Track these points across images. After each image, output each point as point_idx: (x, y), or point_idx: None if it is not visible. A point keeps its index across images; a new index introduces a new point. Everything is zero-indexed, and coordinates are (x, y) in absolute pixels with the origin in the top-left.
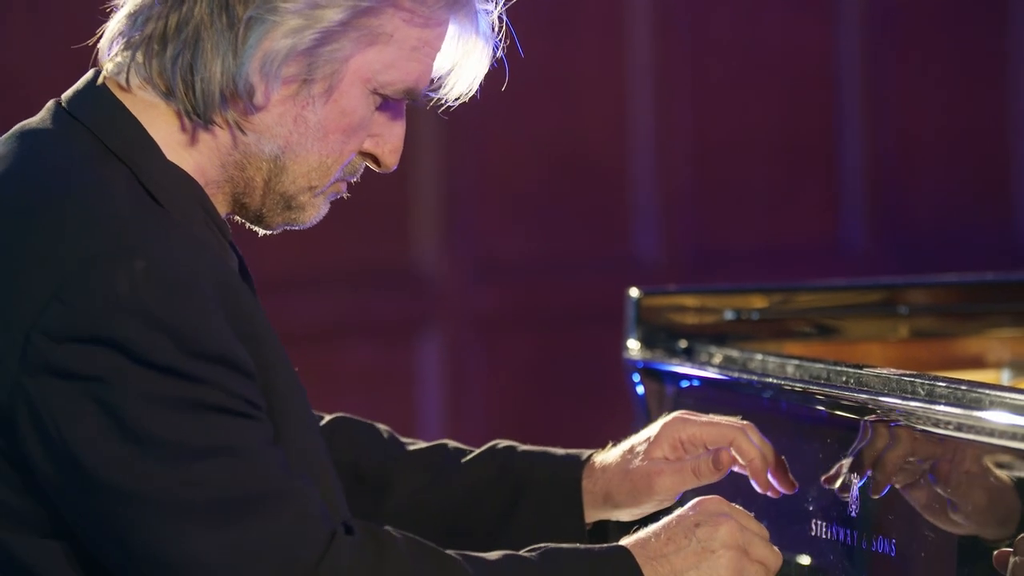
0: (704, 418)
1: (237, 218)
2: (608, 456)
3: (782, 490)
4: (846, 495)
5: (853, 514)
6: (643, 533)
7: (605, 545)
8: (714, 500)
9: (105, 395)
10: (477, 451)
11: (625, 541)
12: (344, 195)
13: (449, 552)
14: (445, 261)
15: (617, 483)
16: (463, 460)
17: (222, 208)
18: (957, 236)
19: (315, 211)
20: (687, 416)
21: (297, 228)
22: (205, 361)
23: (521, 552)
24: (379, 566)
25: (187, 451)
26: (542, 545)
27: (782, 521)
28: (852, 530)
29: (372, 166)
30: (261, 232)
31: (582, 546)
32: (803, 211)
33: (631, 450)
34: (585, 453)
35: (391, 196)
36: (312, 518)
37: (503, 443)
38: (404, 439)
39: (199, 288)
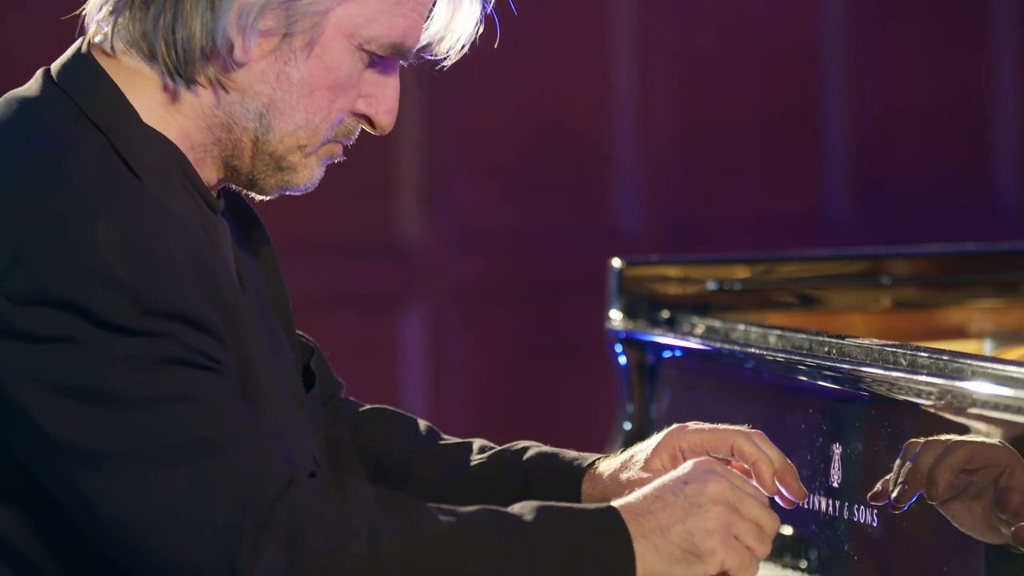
0: (707, 427)
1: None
2: (610, 463)
3: (790, 496)
4: (829, 467)
5: (835, 484)
6: (633, 495)
7: (593, 504)
8: (706, 460)
9: (64, 358)
10: (494, 449)
11: (614, 501)
12: (339, 158)
13: (422, 502)
14: (428, 233)
15: (614, 491)
16: (477, 458)
17: (213, 174)
18: (939, 207)
19: (309, 173)
20: (690, 425)
21: (293, 192)
22: (163, 317)
23: (505, 508)
24: (340, 508)
25: (144, 402)
26: (527, 502)
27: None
28: (834, 500)
29: (367, 128)
30: (259, 199)
31: (568, 504)
32: (786, 182)
33: (631, 459)
34: (590, 458)
35: (373, 167)
36: (272, 461)
37: (521, 444)
38: (444, 436)
39: (162, 251)
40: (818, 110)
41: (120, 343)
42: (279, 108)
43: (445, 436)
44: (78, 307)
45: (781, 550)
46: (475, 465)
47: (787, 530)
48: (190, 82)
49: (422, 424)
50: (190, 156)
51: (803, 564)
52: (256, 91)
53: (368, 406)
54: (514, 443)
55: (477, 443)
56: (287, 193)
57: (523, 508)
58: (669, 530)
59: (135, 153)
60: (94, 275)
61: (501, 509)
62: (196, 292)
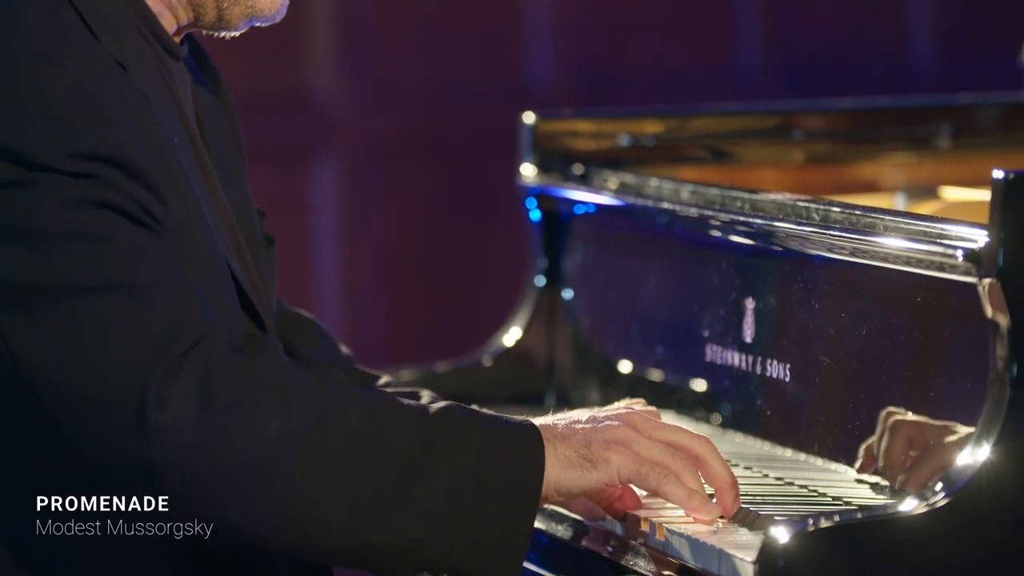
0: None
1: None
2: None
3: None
4: (742, 322)
5: (748, 339)
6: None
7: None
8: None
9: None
10: (397, 390)
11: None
12: None
13: (336, 369)
14: (340, 87)
15: None
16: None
17: (175, 19)
18: (852, 60)
19: None
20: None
21: (262, 21)
22: (102, 162)
23: (423, 402)
24: (253, 365)
25: (68, 239)
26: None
27: (677, 348)
28: (747, 355)
29: None
30: (228, 36)
31: (491, 413)
32: (698, 34)
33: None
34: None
35: (285, 20)
36: (190, 314)
37: (427, 396)
38: (359, 365)
39: (106, 98)
40: None
41: (56, 184)
42: None
43: (360, 365)
44: (16, 151)
45: (694, 404)
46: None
47: (700, 386)
48: None
49: (344, 348)
50: (151, 2)
51: (716, 419)
52: None
53: (298, 311)
54: (420, 391)
55: (384, 379)
56: (256, 23)
57: (442, 407)
58: (570, 439)
59: (90, 4)
60: (34, 117)
61: (416, 403)
62: (138, 143)
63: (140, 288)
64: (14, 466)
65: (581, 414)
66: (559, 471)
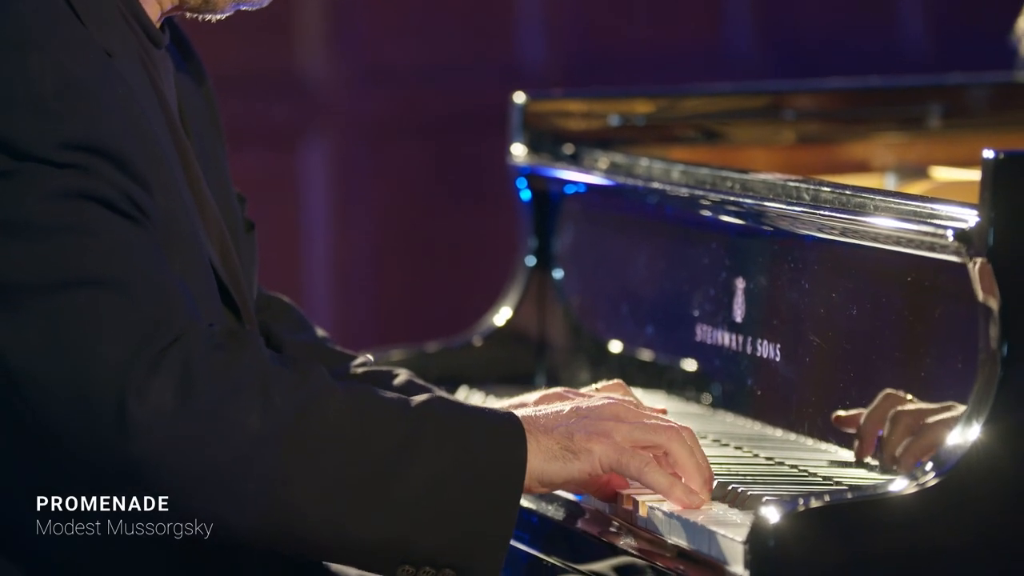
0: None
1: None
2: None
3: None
4: (732, 302)
5: (738, 319)
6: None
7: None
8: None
9: None
10: (372, 368)
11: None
12: None
13: (316, 364)
14: (330, 67)
15: None
16: (358, 369)
17: (166, 3)
18: (842, 41)
19: None
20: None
21: (248, 5)
22: (89, 152)
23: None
24: (235, 361)
25: (54, 232)
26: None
27: (667, 328)
28: (737, 335)
29: None
30: (213, 19)
31: (472, 405)
32: (688, 15)
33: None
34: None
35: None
36: (172, 309)
37: (402, 374)
38: (336, 345)
39: (94, 87)
40: None
41: (42, 174)
42: None
43: (336, 345)
44: (2, 139)
45: (684, 384)
46: (351, 376)
47: (691, 365)
48: None
49: (320, 331)
50: None
51: (706, 399)
52: None
53: (275, 294)
54: (396, 369)
55: (360, 359)
56: (243, 7)
57: (426, 401)
58: (553, 431)
59: None
60: (22, 105)
61: (398, 397)
62: (125, 132)
63: (122, 283)
64: (14, 466)
65: (564, 405)
66: (541, 463)
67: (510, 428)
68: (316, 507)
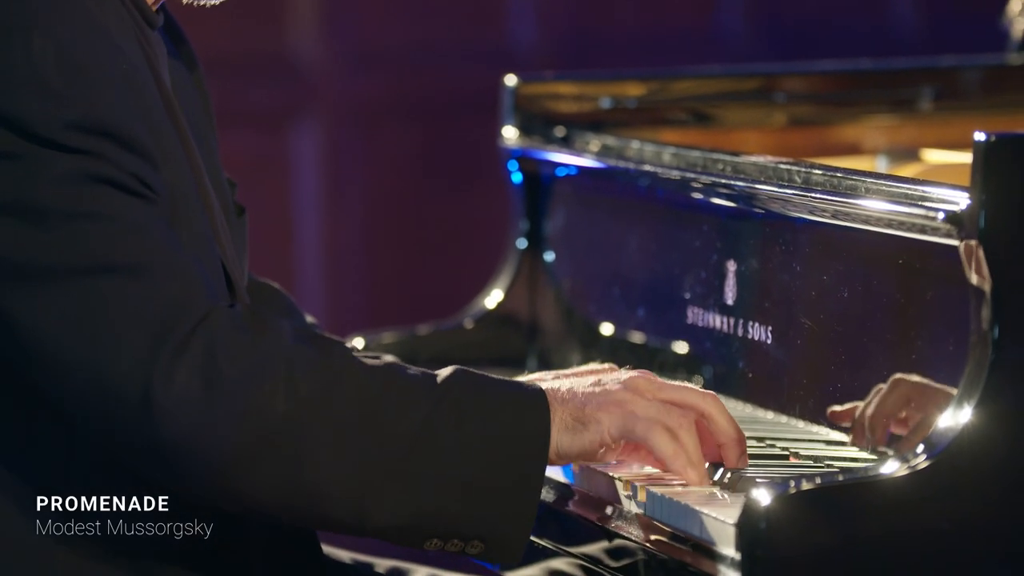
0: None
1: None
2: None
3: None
4: (724, 285)
5: (729, 302)
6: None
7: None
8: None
9: None
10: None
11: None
12: None
13: (338, 341)
14: (322, 49)
15: None
16: None
17: None
18: (833, 23)
19: None
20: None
21: None
22: (97, 135)
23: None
24: (258, 342)
25: (69, 218)
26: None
27: (659, 310)
28: (728, 318)
29: None
30: (210, 4)
31: (497, 378)
32: None
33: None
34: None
35: None
36: (193, 291)
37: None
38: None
39: (98, 68)
40: None
41: (52, 159)
42: None
43: (324, 332)
44: (11, 121)
45: (676, 367)
46: None
47: (682, 348)
48: None
49: (309, 317)
50: None
51: (698, 381)
52: None
53: (264, 280)
54: (383, 356)
55: (350, 345)
56: None
57: (452, 375)
58: (569, 402)
59: None
60: (28, 87)
61: (419, 371)
62: (131, 112)
63: (143, 267)
64: (14, 466)
65: (587, 378)
66: (557, 434)
67: (535, 399)
68: (344, 485)
